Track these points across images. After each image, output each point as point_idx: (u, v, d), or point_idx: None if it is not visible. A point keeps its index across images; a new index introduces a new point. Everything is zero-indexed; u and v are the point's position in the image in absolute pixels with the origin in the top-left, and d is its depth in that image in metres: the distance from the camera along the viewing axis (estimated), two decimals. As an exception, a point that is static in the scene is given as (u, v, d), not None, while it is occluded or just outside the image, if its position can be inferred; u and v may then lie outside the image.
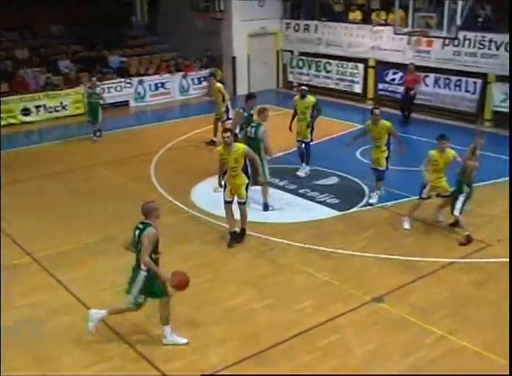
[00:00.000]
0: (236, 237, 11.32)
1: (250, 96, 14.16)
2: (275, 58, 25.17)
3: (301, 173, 14.68)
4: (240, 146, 11.07)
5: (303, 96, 14.55)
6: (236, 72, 24.05)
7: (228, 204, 11.31)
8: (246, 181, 11.28)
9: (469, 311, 9.08)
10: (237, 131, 13.74)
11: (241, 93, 23.70)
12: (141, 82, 23.00)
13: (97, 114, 18.26)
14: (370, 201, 13.09)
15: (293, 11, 24.73)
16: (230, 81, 24.18)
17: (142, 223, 8.25)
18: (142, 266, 8.15)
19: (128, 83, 22.72)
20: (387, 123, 12.84)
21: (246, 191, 11.29)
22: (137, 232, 8.22)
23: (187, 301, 9.32)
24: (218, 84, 17.76)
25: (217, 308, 9.20)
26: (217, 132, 17.18)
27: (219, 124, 17.16)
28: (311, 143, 14.73)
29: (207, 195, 13.62)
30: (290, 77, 25.05)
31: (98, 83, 19.73)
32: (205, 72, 24.35)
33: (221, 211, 12.45)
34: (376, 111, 12.84)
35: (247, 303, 9.30)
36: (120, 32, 25.94)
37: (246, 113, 13.71)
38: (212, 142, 17.20)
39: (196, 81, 24.32)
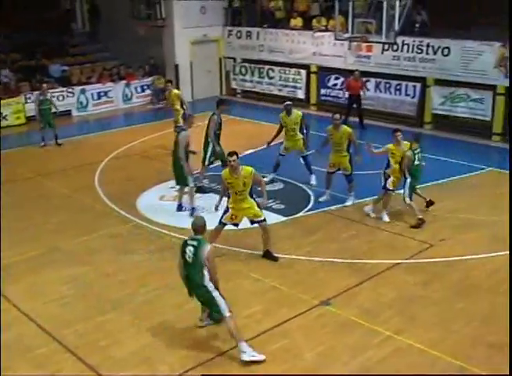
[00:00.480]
0: (269, 257, 10.97)
1: (221, 102, 14.29)
2: (218, 65, 25.22)
3: (313, 182, 14.51)
4: (248, 169, 10.47)
5: (289, 112, 14.41)
6: (179, 80, 23.98)
7: (222, 225, 10.93)
8: (253, 201, 10.78)
9: (415, 310, 9.24)
10: (213, 137, 13.92)
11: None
12: (83, 91, 22.74)
13: (51, 121, 18.54)
14: (346, 204, 13.26)
15: (234, 18, 24.82)
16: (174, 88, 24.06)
17: (193, 239, 8.04)
18: (209, 283, 8.01)
19: (70, 92, 22.42)
20: (349, 129, 13.11)
21: (260, 208, 10.84)
22: (191, 248, 7.97)
23: (135, 311, 9.26)
24: (176, 91, 17.76)
25: (164, 317, 9.14)
26: None
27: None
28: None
29: (153, 204, 13.57)
30: (233, 84, 25.13)
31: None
32: (148, 80, 24.27)
33: (166, 220, 12.46)
34: (337, 116, 13.11)
35: (195, 311, 9.22)
36: (61, 40, 25.57)
37: (219, 119, 13.90)
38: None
39: (139, 90, 24.20)
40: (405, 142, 12.36)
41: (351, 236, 11.87)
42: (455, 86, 18.89)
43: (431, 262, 10.77)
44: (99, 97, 23.15)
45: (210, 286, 8.07)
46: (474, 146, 17.93)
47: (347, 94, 20.30)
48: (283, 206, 13.28)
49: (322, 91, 22.37)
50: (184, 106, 17.42)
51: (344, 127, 13.16)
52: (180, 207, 13.12)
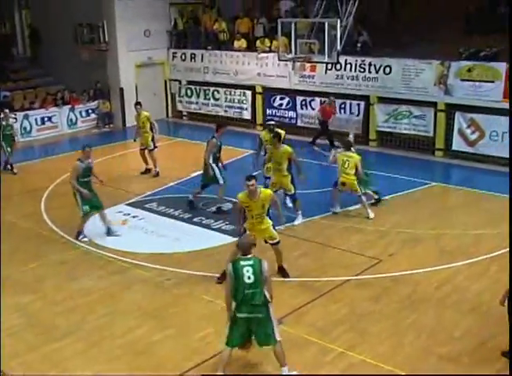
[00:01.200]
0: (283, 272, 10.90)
1: (220, 125, 14.29)
2: (163, 88, 25.17)
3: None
4: (267, 192, 10.56)
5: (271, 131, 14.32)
6: (124, 103, 23.84)
7: None
8: (271, 222, 10.72)
9: (366, 326, 9.32)
10: (211, 160, 13.83)
11: (131, 124, 23.58)
12: (26, 116, 22.37)
13: (11, 147, 18.16)
14: (294, 223, 13.21)
15: (179, 41, 24.85)
16: (119, 112, 23.97)
17: (247, 259, 7.86)
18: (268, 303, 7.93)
19: (13, 118, 22.00)
20: (289, 148, 13.09)
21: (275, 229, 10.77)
22: (249, 268, 7.76)
23: (83, 338, 9.10)
24: (146, 113, 17.54)
25: (115, 343, 8.99)
26: (147, 161, 17.25)
27: (146, 153, 17.22)
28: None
29: (100, 229, 13.39)
30: (179, 107, 25.10)
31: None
32: (93, 104, 24.04)
33: (114, 244, 12.31)
34: (278, 132, 13.34)
35: (147, 336, 9.15)
36: (2, 65, 25.15)
37: (218, 142, 13.89)
38: (148, 171, 17.24)
39: (84, 114, 23.94)
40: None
41: (301, 254, 11.93)
42: (397, 103, 19.27)
43: (381, 277, 10.90)
44: (43, 122, 22.81)
45: (269, 306, 7.98)
46: (417, 161, 18.29)
47: (318, 118, 20.13)
48: (232, 227, 13.26)
49: (268, 111, 22.53)
50: (154, 129, 17.31)
51: (285, 146, 13.12)
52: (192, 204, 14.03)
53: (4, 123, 18.28)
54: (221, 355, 8.00)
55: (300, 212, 13.41)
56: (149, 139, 17.17)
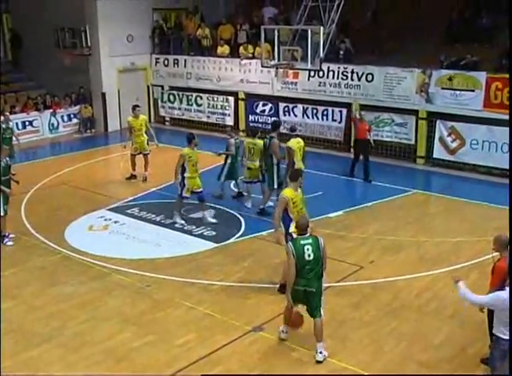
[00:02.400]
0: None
1: (277, 124, 15.05)
2: (145, 93, 25.11)
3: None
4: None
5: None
6: (106, 108, 23.76)
7: None
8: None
9: (347, 333, 9.35)
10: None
11: (113, 129, 23.55)
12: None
13: (11, 151, 16.44)
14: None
15: (162, 46, 24.83)
16: (101, 117, 23.88)
17: (306, 238, 8.61)
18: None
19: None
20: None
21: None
22: (309, 247, 8.50)
23: (63, 344, 9.04)
24: (144, 117, 17.51)
25: (96, 348, 8.94)
26: (135, 167, 17.10)
27: (141, 157, 17.10)
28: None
29: (82, 234, 13.35)
30: (162, 112, 25.06)
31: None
32: (75, 109, 23.93)
33: (95, 250, 12.27)
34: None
35: (127, 342, 9.10)
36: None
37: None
38: (133, 177, 17.11)
39: (65, 119, 23.80)
40: None
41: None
42: (379, 111, 19.38)
43: (362, 284, 10.94)
44: (24, 126, 22.64)
45: (322, 281, 8.71)
46: (399, 169, 18.40)
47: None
48: (214, 233, 13.26)
49: (251, 117, 22.56)
50: (149, 133, 17.28)
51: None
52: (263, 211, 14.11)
53: (4, 126, 17.81)
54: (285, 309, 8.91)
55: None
56: (145, 142, 17.10)
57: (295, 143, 13.99)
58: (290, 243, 8.77)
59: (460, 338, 9.13)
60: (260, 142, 14.50)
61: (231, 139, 15.47)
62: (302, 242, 8.56)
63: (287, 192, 10.28)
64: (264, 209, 14.13)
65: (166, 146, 20.73)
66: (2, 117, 18.25)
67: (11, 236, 12.94)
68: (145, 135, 17.16)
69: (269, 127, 21.14)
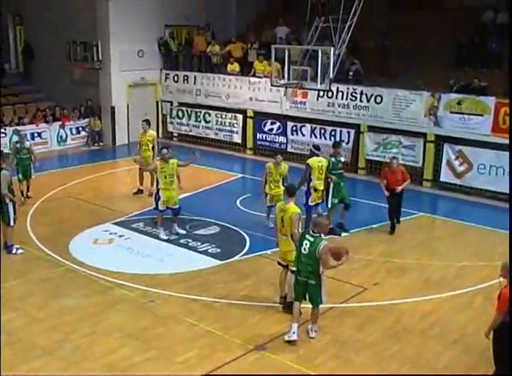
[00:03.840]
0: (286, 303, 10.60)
1: (337, 144, 14.82)
2: (154, 108, 25.22)
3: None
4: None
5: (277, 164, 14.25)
6: (115, 122, 23.86)
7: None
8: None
9: (349, 354, 9.28)
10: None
11: (121, 143, 23.63)
12: (16, 132, 22.26)
13: (28, 172, 16.41)
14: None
15: (172, 62, 24.96)
16: (109, 130, 23.97)
17: (312, 236, 9.38)
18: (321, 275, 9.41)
19: (3, 133, 21.96)
20: (286, 165, 14.20)
21: None
22: (307, 242, 9.33)
23: (64, 358, 9.00)
24: (153, 132, 17.47)
25: (96, 363, 8.89)
26: (143, 181, 17.10)
27: (145, 172, 17.01)
28: None
29: (86, 247, 13.34)
30: (170, 128, 25.14)
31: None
32: (83, 122, 24.03)
33: (99, 263, 12.25)
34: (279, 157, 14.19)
35: (129, 357, 9.06)
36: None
37: (334, 159, 14.17)
38: (140, 191, 17.14)
39: (74, 131, 23.90)
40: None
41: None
42: (387, 133, 19.40)
43: (365, 305, 10.88)
44: (33, 138, 22.70)
45: (323, 277, 9.45)
46: (405, 191, 18.25)
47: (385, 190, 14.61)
48: (218, 250, 13.23)
49: (259, 135, 22.60)
50: (155, 149, 17.05)
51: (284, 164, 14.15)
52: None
53: (19, 146, 16.53)
54: (293, 309, 9.57)
55: None
56: (150, 158, 16.98)
57: (315, 162, 13.91)
58: (300, 230, 9.94)
59: (464, 363, 9.05)
60: (325, 160, 14.09)
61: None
62: (306, 236, 9.43)
63: (296, 207, 10.43)
64: (333, 228, 13.98)
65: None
66: (17, 137, 17.33)
67: (16, 246, 12.98)
68: (151, 150, 17.09)
69: (276, 146, 21.47)
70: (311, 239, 9.35)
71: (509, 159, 16.59)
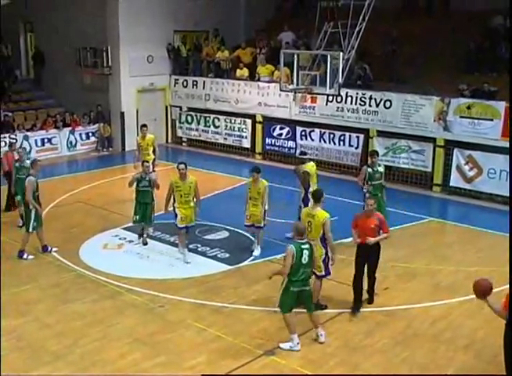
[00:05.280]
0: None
1: (373, 153, 14.44)
2: (164, 113, 25.30)
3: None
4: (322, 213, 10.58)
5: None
6: (124, 127, 23.94)
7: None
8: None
9: (358, 360, 9.25)
10: (365, 189, 13.90)
11: (130, 148, 23.65)
12: (26, 137, 22.43)
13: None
14: (253, 254, 13.24)
15: (181, 67, 25.03)
16: (119, 136, 24.05)
17: (305, 243, 9.38)
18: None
19: (13, 138, 22.08)
20: (265, 182, 13.10)
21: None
22: (306, 252, 9.31)
23: (73, 363, 9.02)
24: (151, 136, 17.51)
25: (105, 369, 8.91)
26: None
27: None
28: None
29: (96, 252, 13.38)
30: (179, 133, 25.19)
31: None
32: (93, 127, 24.13)
33: (109, 269, 12.28)
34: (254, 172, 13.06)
35: (138, 362, 9.07)
36: (4, 86, 25.27)
37: (370, 170, 13.97)
38: None
39: (84, 137, 24.02)
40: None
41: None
42: (397, 138, 19.36)
43: (375, 311, 10.85)
44: (43, 143, 22.87)
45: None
46: (415, 196, 18.32)
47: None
48: (227, 255, 13.24)
49: (268, 140, 22.62)
50: (155, 153, 17.28)
51: (263, 181, 13.08)
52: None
53: (18, 164, 15.07)
54: (285, 321, 9.48)
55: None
56: (151, 162, 17.12)
57: (311, 167, 14.04)
58: (292, 246, 9.26)
59: (474, 369, 8.99)
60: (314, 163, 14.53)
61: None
62: (302, 246, 9.28)
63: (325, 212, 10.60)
64: None
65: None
66: (16, 155, 15.76)
67: (28, 254, 13.11)
68: (152, 154, 17.16)
69: (285, 151, 21.47)
70: (307, 246, 9.35)
71: (509, 160, 16.55)
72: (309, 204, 13.24)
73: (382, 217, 10.92)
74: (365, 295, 11.02)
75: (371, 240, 10.59)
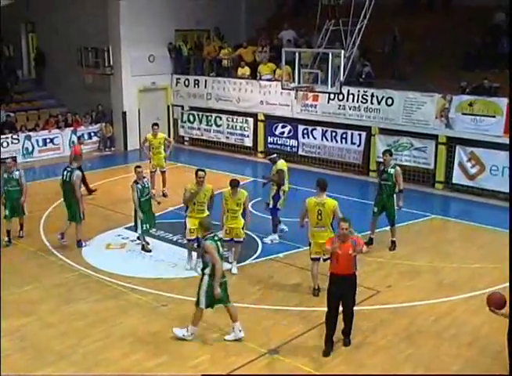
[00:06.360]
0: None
1: (384, 152, 14.11)
2: (165, 113, 25.29)
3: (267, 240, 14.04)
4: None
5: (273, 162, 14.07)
6: (126, 127, 23.95)
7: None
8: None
9: (362, 358, 9.25)
10: None
11: (132, 148, 23.69)
12: (28, 137, 22.46)
13: (17, 207, 14.04)
14: (232, 271, 12.28)
15: (183, 66, 25.02)
16: (121, 135, 24.05)
17: (214, 236, 9.60)
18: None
19: (15, 138, 22.13)
20: (245, 192, 12.27)
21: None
22: (220, 244, 9.59)
23: (77, 363, 9.03)
24: (163, 134, 17.83)
25: (109, 368, 8.91)
26: (154, 185, 17.05)
27: (157, 174, 17.42)
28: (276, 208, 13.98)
29: (99, 252, 13.39)
30: (181, 132, 25.19)
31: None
32: (95, 127, 24.15)
33: (112, 268, 12.28)
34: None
35: (141, 362, 9.07)
36: (6, 86, 25.30)
37: (382, 168, 13.75)
38: (153, 195, 17.10)
39: (86, 137, 24.00)
40: None
41: (298, 283, 11.87)
42: (399, 135, 19.33)
43: (378, 308, 10.84)
44: (45, 144, 22.90)
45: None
46: (417, 193, 18.27)
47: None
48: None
49: (270, 139, 22.60)
50: (169, 148, 17.84)
51: (242, 191, 12.21)
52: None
53: (6, 176, 14.01)
54: (199, 314, 9.56)
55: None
56: (163, 160, 17.48)
57: (285, 165, 14.17)
58: (211, 242, 9.38)
59: (478, 366, 8.98)
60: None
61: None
62: (216, 239, 9.54)
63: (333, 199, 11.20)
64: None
65: (184, 166, 20.89)
66: (2, 167, 14.73)
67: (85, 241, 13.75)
68: (163, 152, 17.48)
69: (287, 149, 21.48)
70: (217, 238, 9.60)
71: (509, 159, 16.53)
72: (280, 200, 13.81)
73: (357, 238, 9.49)
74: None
75: (363, 249, 9.35)
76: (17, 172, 14.13)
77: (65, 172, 13.87)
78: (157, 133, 17.56)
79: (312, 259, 11.25)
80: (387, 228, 14.47)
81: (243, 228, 12.21)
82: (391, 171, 13.38)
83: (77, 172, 13.85)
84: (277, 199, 13.86)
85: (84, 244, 13.71)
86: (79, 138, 19.31)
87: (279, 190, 13.85)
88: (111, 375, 8.73)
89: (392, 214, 13.55)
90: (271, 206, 13.97)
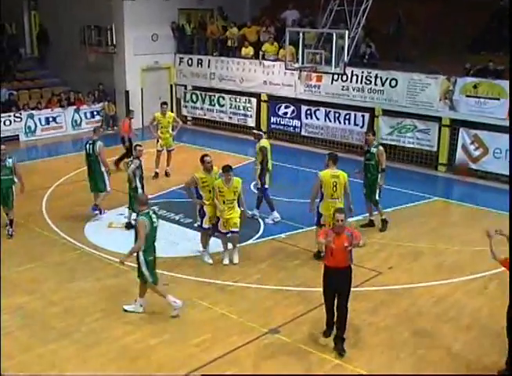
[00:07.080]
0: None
1: (367, 132, 14.75)
2: (168, 92, 25.20)
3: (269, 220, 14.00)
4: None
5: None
6: (129, 106, 23.84)
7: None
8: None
9: (363, 338, 9.29)
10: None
11: (135, 127, 23.53)
12: (31, 116, 22.43)
13: (8, 198, 13.17)
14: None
15: (186, 46, 24.91)
16: (124, 114, 23.96)
17: (149, 211, 9.78)
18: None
19: (18, 117, 22.09)
20: (239, 179, 11.88)
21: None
22: (155, 216, 9.80)
23: (79, 341, 9.08)
24: (172, 114, 18.01)
25: (111, 346, 8.97)
26: (159, 164, 17.41)
27: (163, 154, 17.55)
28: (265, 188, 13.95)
29: (101, 231, 13.41)
30: (184, 111, 25.12)
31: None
32: (98, 106, 24.09)
33: (114, 247, 12.30)
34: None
35: (143, 340, 9.13)
36: (8, 64, 25.21)
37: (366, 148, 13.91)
38: (156, 175, 17.46)
39: (88, 115, 24.00)
40: None
41: (300, 263, 11.91)
42: (402, 117, 19.28)
43: (379, 289, 10.88)
44: (48, 122, 22.88)
45: None
46: (420, 175, 18.28)
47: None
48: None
49: (273, 119, 22.54)
50: (177, 126, 17.94)
51: (236, 178, 11.78)
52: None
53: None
54: (155, 290, 9.87)
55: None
56: (171, 139, 17.63)
57: (268, 143, 14.19)
58: (143, 217, 9.59)
59: (478, 347, 9.03)
60: None
61: None
62: (152, 215, 9.69)
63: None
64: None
65: (187, 146, 20.87)
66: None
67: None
68: (171, 131, 17.60)
69: (290, 130, 21.42)
70: (151, 211, 9.83)
71: (509, 156, 16.49)
72: (267, 179, 13.87)
73: (354, 231, 8.98)
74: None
75: (360, 242, 8.82)
76: (10, 160, 13.06)
77: (87, 146, 14.06)
78: (166, 112, 17.69)
79: (321, 226, 11.48)
80: (389, 210, 14.51)
81: (240, 217, 11.84)
82: (374, 150, 13.51)
83: (100, 143, 13.98)
84: (263, 179, 13.89)
85: (102, 211, 14.06)
86: (129, 112, 19.48)
87: (264, 170, 13.80)
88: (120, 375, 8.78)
89: (374, 192, 13.58)
90: (258, 186, 14.00)
